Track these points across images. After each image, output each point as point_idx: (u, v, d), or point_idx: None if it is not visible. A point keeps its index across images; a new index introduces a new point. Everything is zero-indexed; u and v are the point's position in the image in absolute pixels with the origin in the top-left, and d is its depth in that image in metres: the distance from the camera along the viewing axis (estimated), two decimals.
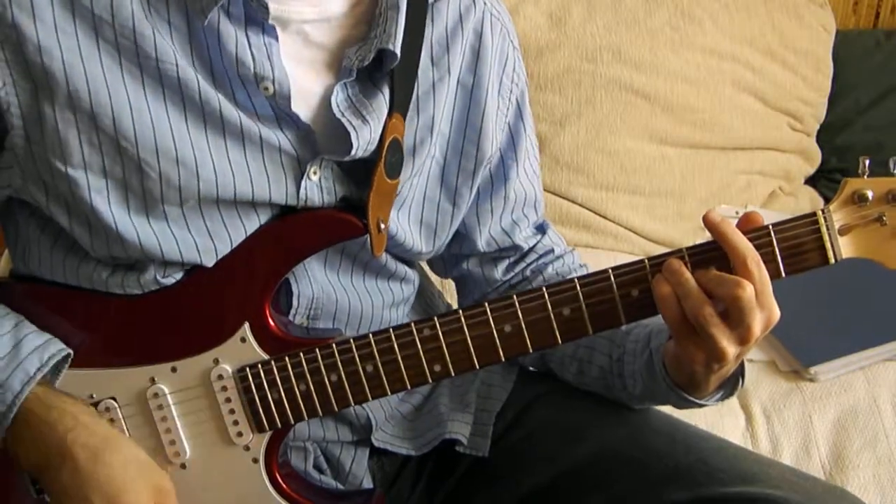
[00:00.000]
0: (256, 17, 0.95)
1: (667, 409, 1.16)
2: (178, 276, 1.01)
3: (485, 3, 1.11)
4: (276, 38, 0.96)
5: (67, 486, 0.95)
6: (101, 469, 0.95)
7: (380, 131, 1.01)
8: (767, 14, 2.10)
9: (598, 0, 2.01)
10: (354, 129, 0.99)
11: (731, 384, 1.06)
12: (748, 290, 0.92)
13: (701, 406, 1.06)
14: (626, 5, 2.01)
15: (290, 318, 1.06)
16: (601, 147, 1.98)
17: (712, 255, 0.96)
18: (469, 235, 1.17)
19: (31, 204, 1.00)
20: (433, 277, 1.32)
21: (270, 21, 0.95)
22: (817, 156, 2.21)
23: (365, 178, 1.01)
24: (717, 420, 1.54)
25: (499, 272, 1.20)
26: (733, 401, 1.57)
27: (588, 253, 1.87)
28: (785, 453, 1.51)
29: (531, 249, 1.21)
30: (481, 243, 1.18)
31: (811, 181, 2.24)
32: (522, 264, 1.21)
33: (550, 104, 1.97)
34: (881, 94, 2.20)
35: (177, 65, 0.94)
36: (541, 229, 1.22)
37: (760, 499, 1.01)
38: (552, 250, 1.22)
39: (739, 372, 1.05)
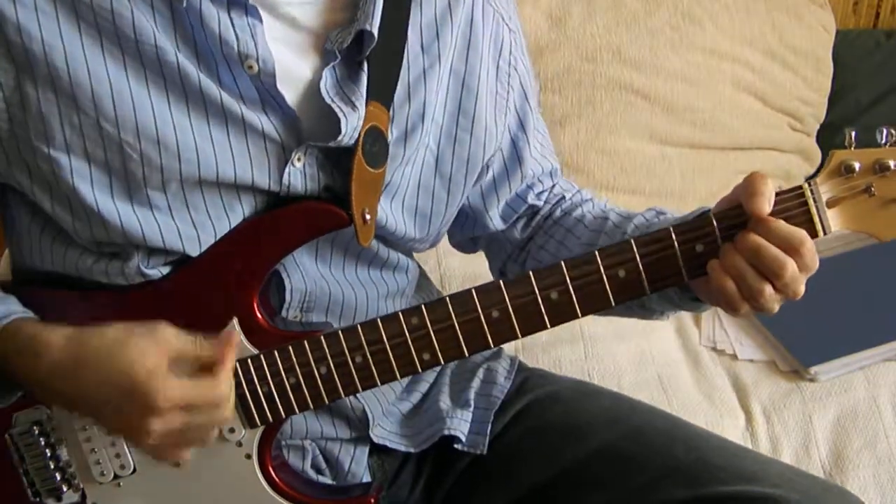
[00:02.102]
0: None
1: (665, 407, 1.16)
2: (164, 269, 1.00)
3: None
4: (260, 20, 0.96)
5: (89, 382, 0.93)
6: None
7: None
8: (767, 14, 2.09)
9: (598, 0, 2.01)
10: (344, 114, 0.98)
11: None
12: (790, 266, 0.91)
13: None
14: (626, 5, 2.01)
15: (284, 312, 1.05)
16: (601, 147, 1.98)
17: (740, 222, 0.95)
18: (488, 213, 1.18)
19: (20, 190, 1.00)
20: (433, 276, 1.32)
21: (252, 2, 0.95)
22: (817, 156, 2.20)
23: (350, 167, 1.00)
24: (717, 420, 1.53)
25: (518, 231, 1.21)
26: (733, 401, 1.58)
27: None
28: (785, 453, 1.51)
29: (545, 202, 1.21)
30: (498, 215, 1.19)
31: None
32: (538, 217, 1.21)
33: (550, 104, 1.97)
34: (881, 94, 2.19)
35: (157, 45, 0.94)
36: (552, 177, 1.22)
37: (760, 498, 1.01)
38: (563, 197, 1.22)
39: None
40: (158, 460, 0.98)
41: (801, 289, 0.94)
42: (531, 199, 1.19)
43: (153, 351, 0.92)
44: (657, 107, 2.00)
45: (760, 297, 0.93)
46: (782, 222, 0.92)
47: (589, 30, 1.98)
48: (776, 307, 0.94)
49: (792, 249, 0.92)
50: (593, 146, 1.98)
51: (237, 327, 1.00)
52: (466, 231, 1.20)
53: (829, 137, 2.20)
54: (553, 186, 1.22)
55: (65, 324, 0.95)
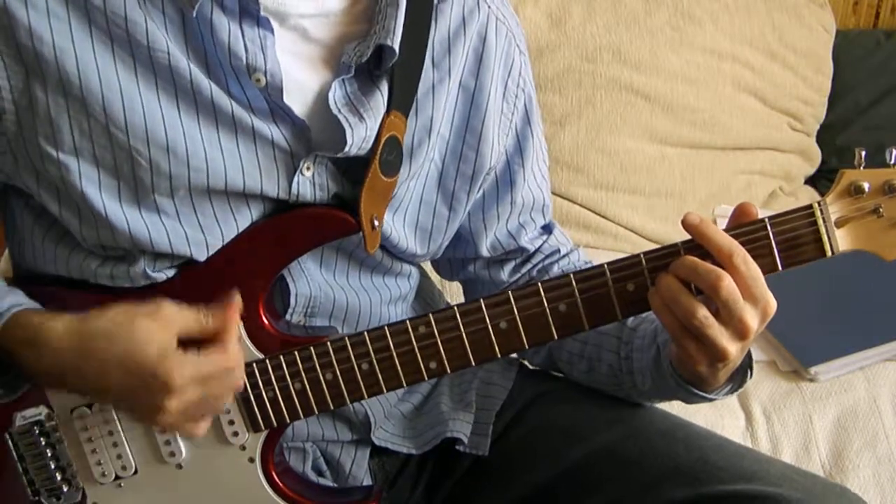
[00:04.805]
0: (250, 9, 0.95)
1: (666, 407, 1.16)
2: (170, 272, 1.00)
3: (489, 7, 1.10)
4: (272, 31, 0.96)
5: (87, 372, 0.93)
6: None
7: (376, 129, 1.00)
8: (767, 14, 2.09)
9: (598, 0, 2.01)
10: (350, 126, 0.98)
11: (740, 376, 1.05)
12: (726, 279, 0.91)
13: (711, 400, 1.05)
14: (626, 5, 2.01)
15: (288, 316, 1.05)
16: (601, 147, 1.98)
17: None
18: (474, 240, 1.17)
19: (25, 192, 1.00)
20: (433, 277, 1.32)
21: (263, 13, 0.95)
22: (817, 156, 2.20)
23: (360, 176, 1.00)
24: (717, 420, 1.53)
25: (505, 274, 1.20)
26: (733, 401, 1.57)
27: (588, 253, 1.85)
28: (785, 453, 1.51)
29: (537, 250, 1.20)
30: (486, 247, 1.17)
31: (811, 181, 2.24)
32: (528, 265, 1.20)
33: (550, 104, 1.97)
34: (881, 94, 2.19)
35: (169, 53, 0.94)
36: (547, 230, 1.21)
37: (761, 496, 1.01)
38: (558, 250, 1.21)
39: (747, 363, 1.04)
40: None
41: (748, 318, 0.92)
42: (523, 241, 1.18)
43: (160, 330, 0.92)
44: (657, 107, 2.00)
45: (693, 319, 0.92)
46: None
47: (589, 30, 1.98)
48: (724, 341, 0.93)
49: (724, 259, 0.92)
50: (593, 146, 1.98)
51: (243, 331, 1.00)
52: (456, 251, 1.19)
53: (829, 137, 2.21)
54: (548, 237, 1.21)
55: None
